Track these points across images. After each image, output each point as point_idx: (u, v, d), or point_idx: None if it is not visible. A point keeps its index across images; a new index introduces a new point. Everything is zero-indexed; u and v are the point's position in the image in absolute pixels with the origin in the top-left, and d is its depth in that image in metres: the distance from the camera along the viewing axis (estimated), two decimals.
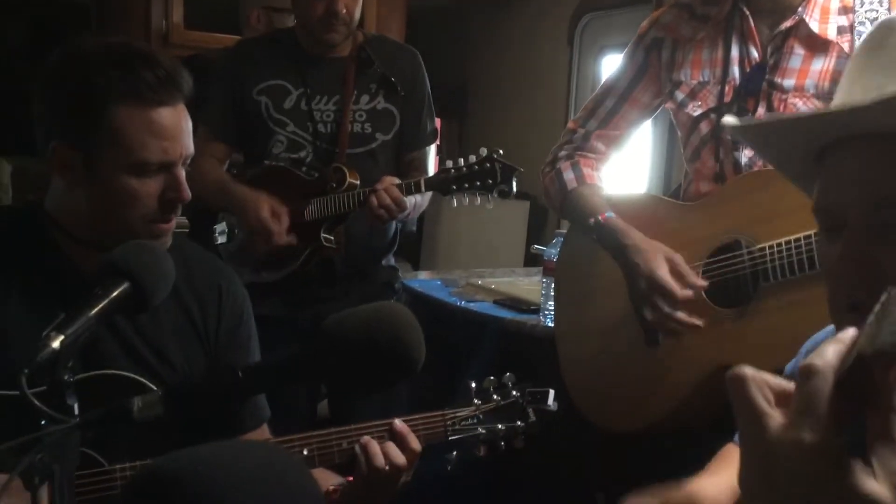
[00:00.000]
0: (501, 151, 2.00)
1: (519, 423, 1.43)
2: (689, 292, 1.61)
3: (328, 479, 1.38)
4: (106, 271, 1.00)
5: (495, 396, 1.44)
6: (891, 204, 0.80)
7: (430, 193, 2.18)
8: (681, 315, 1.62)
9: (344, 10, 2.17)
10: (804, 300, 1.49)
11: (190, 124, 1.33)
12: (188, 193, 1.31)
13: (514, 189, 1.99)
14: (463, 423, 1.41)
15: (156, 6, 4.00)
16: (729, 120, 0.97)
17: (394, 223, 2.36)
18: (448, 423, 1.40)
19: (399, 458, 1.32)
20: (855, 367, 0.55)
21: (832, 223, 0.85)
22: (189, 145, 1.32)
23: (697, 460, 1.19)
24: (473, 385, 1.45)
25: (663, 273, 1.62)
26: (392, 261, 2.47)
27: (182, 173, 1.31)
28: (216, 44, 3.44)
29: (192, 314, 1.43)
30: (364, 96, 2.26)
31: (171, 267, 1.07)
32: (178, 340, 1.40)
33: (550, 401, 1.44)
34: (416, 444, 1.35)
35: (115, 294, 0.98)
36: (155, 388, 1.28)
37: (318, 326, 0.92)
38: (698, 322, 1.62)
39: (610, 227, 1.74)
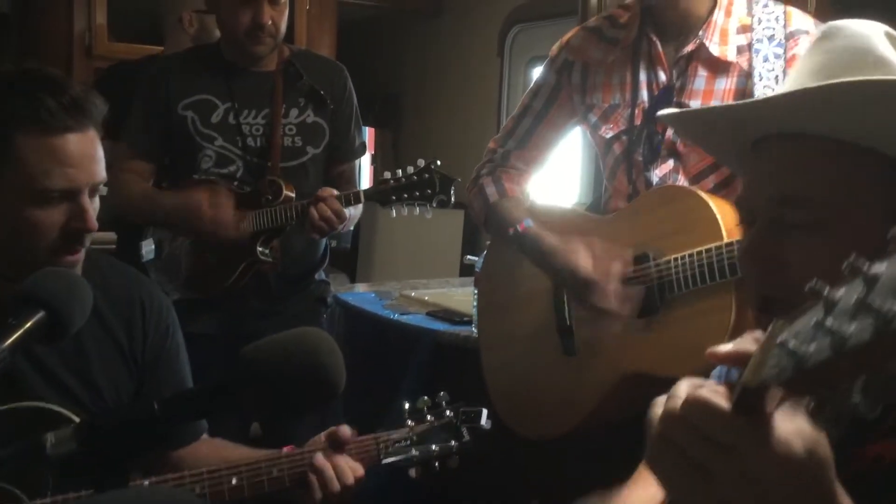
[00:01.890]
0: (439, 162, 2.03)
1: (453, 442, 1.42)
2: (613, 284, 1.63)
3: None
4: (20, 300, 0.98)
5: (429, 417, 1.43)
6: (791, 202, 0.84)
7: (361, 206, 2.18)
8: (616, 295, 1.63)
9: (270, 22, 2.15)
10: (708, 309, 1.54)
11: (100, 151, 1.30)
12: (94, 224, 1.28)
13: (453, 199, 2.02)
14: (396, 445, 1.40)
15: (78, 17, 3.90)
16: (662, 112, 1.03)
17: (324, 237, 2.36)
18: (381, 446, 1.39)
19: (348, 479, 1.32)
20: (741, 399, 0.57)
21: (745, 217, 0.90)
22: (97, 172, 1.29)
23: (626, 456, 1.22)
24: (407, 406, 1.44)
25: (585, 268, 1.65)
26: (323, 275, 2.47)
27: (87, 202, 1.28)
28: (141, 55, 3.37)
29: (117, 334, 1.41)
30: (293, 110, 2.25)
31: (87, 293, 1.06)
32: (103, 364, 1.38)
33: (484, 420, 1.45)
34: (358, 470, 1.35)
35: (29, 324, 0.96)
36: (75, 419, 1.26)
37: (237, 354, 0.92)
38: (629, 309, 1.63)
39: (529, 236, 1.78)
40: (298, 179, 2.22)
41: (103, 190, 1.35)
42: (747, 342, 0.63)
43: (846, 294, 0.49)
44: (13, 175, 1.24)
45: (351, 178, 2.37)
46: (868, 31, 0.90)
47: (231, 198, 2.18)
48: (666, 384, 0.66)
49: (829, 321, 0.49)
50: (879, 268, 0.48)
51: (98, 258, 1.44)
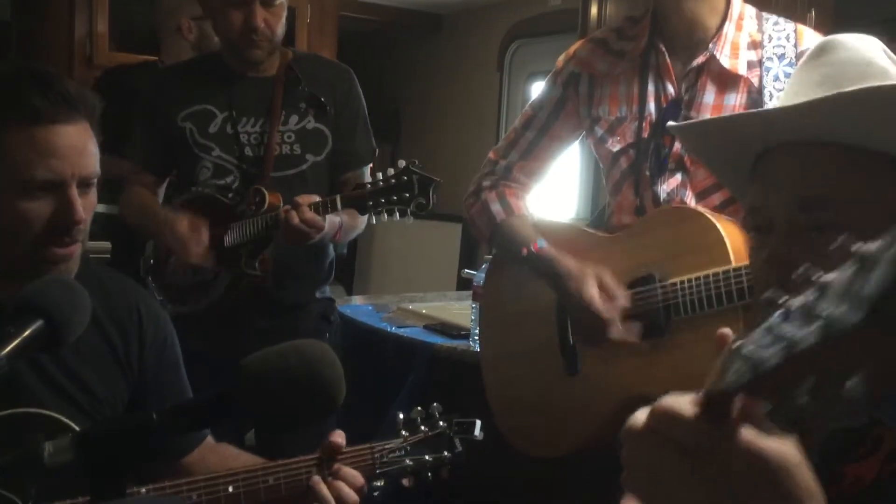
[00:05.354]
0: (417, 162, 1.90)
1: (446, 453, 1.43)
2: (614, 313, 1.63)
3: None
4: (19, 308, 0.98)
5: (423, 427, 1.44)
6: (811, 205, 0.85)
7: (363, 218, 2.09)
8: (610, 333, 1.64)
9: (263, 24, 2.09)
10: (713, 335, 1.52)
11: (91, 145, 1.29)
12: (81, 215, 1.27)
13: (432, 201, 1.88)
14: (391, 454, 1.40)
15: (79, 26, 3.91)
16: (671, 124, 1.04)
17: (330, 250, 2.30)
18: (376, 455, 1.39)
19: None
20: (707, 406, 0.58)
21: (759, 222, 0.91)
22: (86, 165, 1.28)
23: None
24: (401, 416, 1.45)
25: (591, 295, 1.64)
26: (328, 291, 2.39)
27: (74, 194, 1.27)
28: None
29: (113, 341, 1.41)
30: (293, 116, 2.18)
31: (87, 301, 1.06)
32: (98, 369, 1.38)
33: (477, 431, 1.45)
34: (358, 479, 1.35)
35: (27, 332, 0.96)
36: (73, 426, 1.26)
37: (236, 366, 0.92)
38: (630, 338, 1.63)
39: (543, 257, 1.75)
40: (296, 189, 2.13)
41: None
42: None
43: (799, 301, 0.51)
44: (0, 167, 1.24)
45: (360, 186, 2.23)
46: (866, 45, 0.93)
47: (208, 224, 2.12)
48: None
49: (782, 328, 0.51)
50: (830, 277, 0.50)
51: (96, 266, 1.45)
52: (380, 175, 1.91)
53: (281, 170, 2.17)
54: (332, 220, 2.03)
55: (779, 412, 0.53)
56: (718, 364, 0.58)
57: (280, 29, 2.15)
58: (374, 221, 1.97)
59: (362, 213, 1.95)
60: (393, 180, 1.88)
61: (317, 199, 1.99)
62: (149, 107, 2.27)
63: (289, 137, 2.18)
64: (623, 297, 1.64)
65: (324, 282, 2.35)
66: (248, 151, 2.17)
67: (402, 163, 1.89)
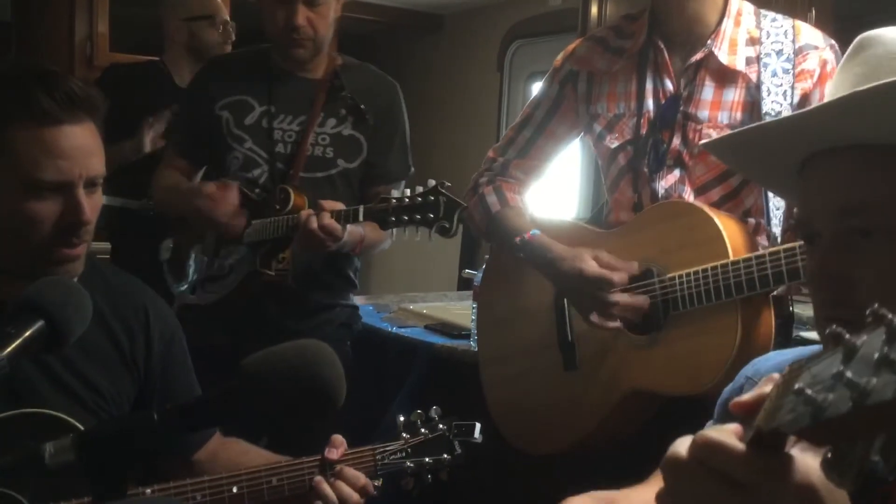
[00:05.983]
0: (448, 184, 1.85)
1: (446, 455, 1.45)
2: (622, 275, 1.62)
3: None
4: (20, 309, 0.98)
5: (423, 430, 1.46)
6: (854, 211, 0.82)
7: (387, 234, 1.99)
8: (623, 297, 1.62)
9: (306, 24, 2.08)
10: (713, 329, 1.53)
11: (97, 145, 1.30)
12: (89, 216, 1.28)
13: (455, 227, 1.82)
14: (392, 457, 1.42)
15: (80, 26, 3.91)
16: (703, 142, 1.01)
17: (355, 257, 2.27)
18: (377, 457, 1.41)
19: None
20: (755, 441, 0.57)
21: (806, 233, 0.88)
22: (92, 166, 1.28)
23: (628, 474, 1.21)
24: (401, 419, 1.47)
25: (591, 267, 1.64)
26: (352, 299, 2.35)
27: (81, 195, 1.27)
28: None
29: (119, 340, 1.42)
30: (331, 120, 2.16)
31: (88, 302, 1.06)
32: (104, 367, 1.39)
33: (476, 433, 1.47)
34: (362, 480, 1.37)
35: (28, 333, 0.96)
36: (79, 426, 1.27)
37: (238, 365, 0.92)
38: (642, 302, 1.61)
39: (535, 244, 1.76)
40: (323, 192, 2.08)
41: None
42: (768, 388, 0.62)
43: (868, 342, 0.46)
44: (7, 167, 1.24)
45: (385, 200, 2.12)
46: None
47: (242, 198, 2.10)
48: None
49: (850, 371, 0.46)
50: None
51: (102, 266, 1.45)
52: (407, 191, 1.87)
53: (311, 171, 2.14)
54: (353, 231, 1.99)
55: (844, 465, 0.49)
56: (772, 399, 0.55)
57: (324, 29, 2.14)
58: (394, 237, 1.93)
59: (384, 228, 1.88)
60: (419, 198, 1.82)
61: (341, 206, 1.95)
62: (193, 95, 2.28)
63: (323, 140, 2.16)
64: (627, 267, 1.63)
65: (349, 289, 2.32)
66: (280, 148, 2.15)
67: (431, 182, 1.84)
